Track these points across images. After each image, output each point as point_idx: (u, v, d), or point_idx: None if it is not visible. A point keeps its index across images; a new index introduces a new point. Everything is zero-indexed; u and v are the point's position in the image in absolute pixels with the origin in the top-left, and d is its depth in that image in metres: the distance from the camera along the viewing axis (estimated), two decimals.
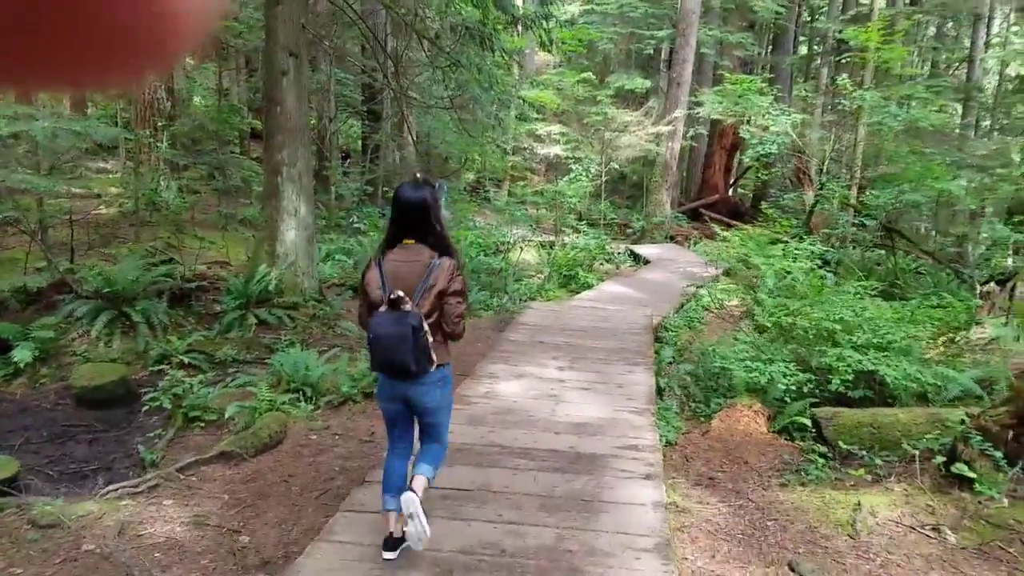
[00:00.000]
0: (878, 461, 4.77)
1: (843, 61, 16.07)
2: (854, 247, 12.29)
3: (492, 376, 6.24)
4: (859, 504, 4.21)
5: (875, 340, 6.32)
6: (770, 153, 12.99)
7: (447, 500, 3.81)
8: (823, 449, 5.07)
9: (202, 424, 5.94)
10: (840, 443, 5.05)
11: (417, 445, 3.48)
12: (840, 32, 20.20)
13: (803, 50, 29.09)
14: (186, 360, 7.42)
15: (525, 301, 10.38)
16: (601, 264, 14.28)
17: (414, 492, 3.13)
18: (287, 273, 9.18)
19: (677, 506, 4.19)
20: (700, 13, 19.42)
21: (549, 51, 13.77)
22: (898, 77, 16.36)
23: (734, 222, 21.28)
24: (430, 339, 3.09)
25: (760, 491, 4.54)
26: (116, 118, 15.63)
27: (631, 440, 4.73)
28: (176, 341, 7.75)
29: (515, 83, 15.70)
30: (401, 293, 3.04)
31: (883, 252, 12.69)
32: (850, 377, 5.84)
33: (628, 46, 25.64)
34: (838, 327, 6.55)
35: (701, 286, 11.39)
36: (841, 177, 14.05)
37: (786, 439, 5.88)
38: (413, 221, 3.18)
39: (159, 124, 13.48)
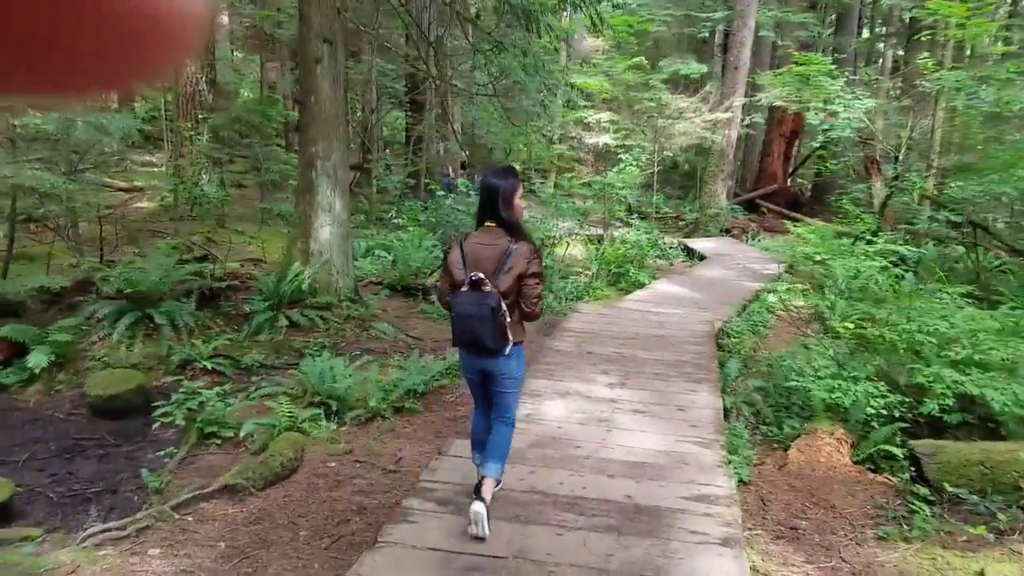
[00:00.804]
0: (1000, 514, 3.93)
1: (919, 39, 14.87)
2: (933, 244, 11.23)
3: (534, 394, 5.53)
4: (983, 573, 3.41)
5: (976, 356, 5.45)
6: (841, 138, 11.98)
7: (476, 573, 3.12)
8: (925, 491, 4.26)
9: (218, 441, 5.43)
10: (946, 485, 4.22)
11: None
12: (912, 10, 18.90)
13: (865, 32, 27.63)
14: (209, 366, 6.97)
15: (571, 301, 9.66)
16: (653, 260, 13.45)
17: (483, 501, 3.42)
18: (321, 272, 8.76)
19: (757, 571, 3.44)
20: None
21: (600, 34, 12.98)
22: (970, 58, 15.10)
23: (793, 214, 20.18)
24: (507, 319, 3.34)
25: (854, 547, 3.76)
26: (162, 111, 15.39)
27: (701, 487, 3.95)
28: (201, 345, 7.29)
29: (562, 68, 14.90)
30: (482, 275, 3.29)
31: (962, 249, 11.59)
32: (950, 401, 5.00)
33: (681, 30, 24.60)
34: (932, 340, 5.69)
35: (772, 291, 10.47)
36: (913, 167, 12.94)
37: (870, 467, 5.10)
38: (488, 205, 3.43)
39: (200, 117, 13.12)
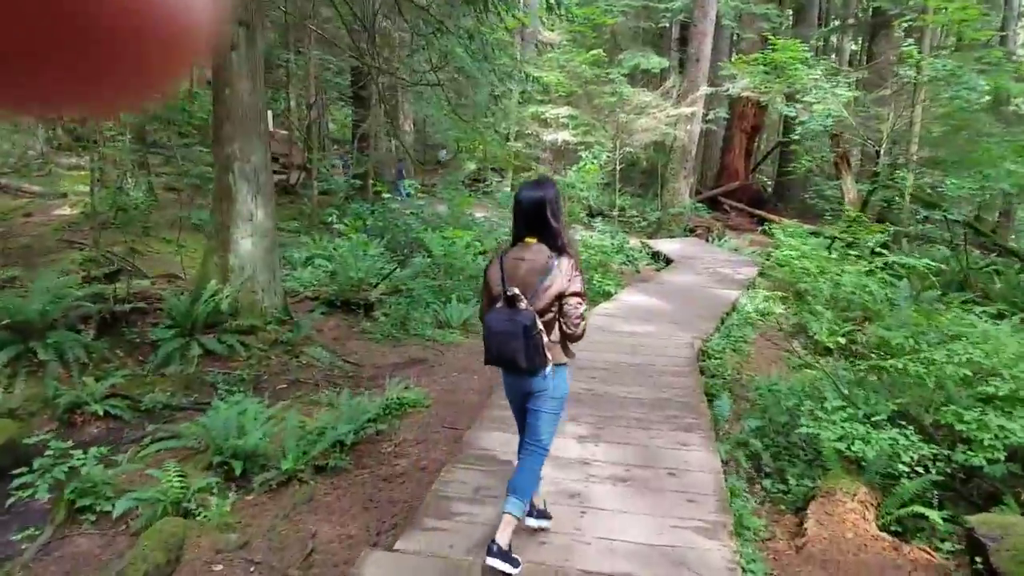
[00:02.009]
0: None
1: (899, 24, 14.12)
2: (920, 245, 10.39)
3: (484, 458, 4.36)
4: None
5: (1023, 393, 4.51)
6: (814, 132, 11.11)
7: None
8: None
9: (93, 517, 4.26)
10: None
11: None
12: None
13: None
14: (101, 411, 5.73)
15: None
16: (618, 265, 12.45)
17: (502, 557, 3.03)
18: (243, 290, 7.61)
19: None
20: None
21: (559, 19, 11.93)
22: (937, 49, 14.45)
23: (758, 212, 19.44)
24: (544, 338, 3.12)
25: None
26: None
27: None
28: (93, 384, 6.02)
29: (516, 59, 13.83)
30: (517, 291, 3.11)
31: (946, 251, 10.82)
32: (1001, 455, 4.05)
33: (638, 23, 23.74)
34: (965, 371, 4.74)
35: (753, 304, 9.50)
36: (896, 163, 12.16)
37: (896, 529, 4.14)
38: (532, 220, 3.22)
39: (121, 116, 11.74)
